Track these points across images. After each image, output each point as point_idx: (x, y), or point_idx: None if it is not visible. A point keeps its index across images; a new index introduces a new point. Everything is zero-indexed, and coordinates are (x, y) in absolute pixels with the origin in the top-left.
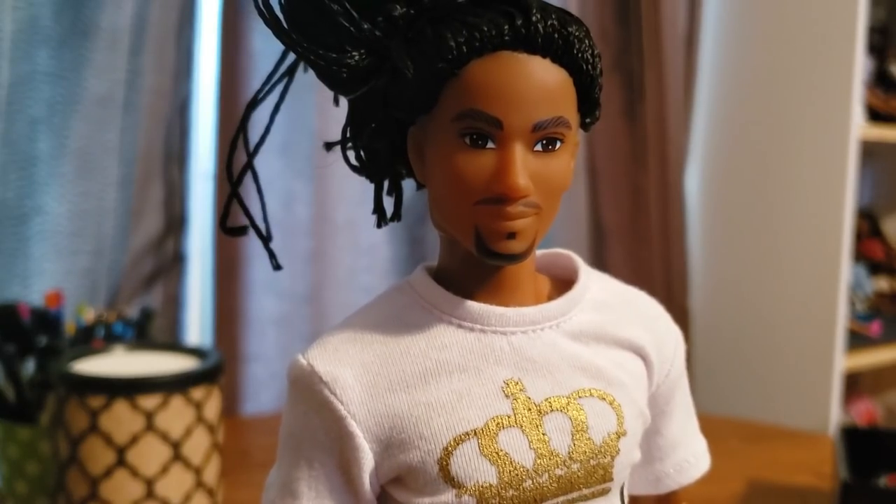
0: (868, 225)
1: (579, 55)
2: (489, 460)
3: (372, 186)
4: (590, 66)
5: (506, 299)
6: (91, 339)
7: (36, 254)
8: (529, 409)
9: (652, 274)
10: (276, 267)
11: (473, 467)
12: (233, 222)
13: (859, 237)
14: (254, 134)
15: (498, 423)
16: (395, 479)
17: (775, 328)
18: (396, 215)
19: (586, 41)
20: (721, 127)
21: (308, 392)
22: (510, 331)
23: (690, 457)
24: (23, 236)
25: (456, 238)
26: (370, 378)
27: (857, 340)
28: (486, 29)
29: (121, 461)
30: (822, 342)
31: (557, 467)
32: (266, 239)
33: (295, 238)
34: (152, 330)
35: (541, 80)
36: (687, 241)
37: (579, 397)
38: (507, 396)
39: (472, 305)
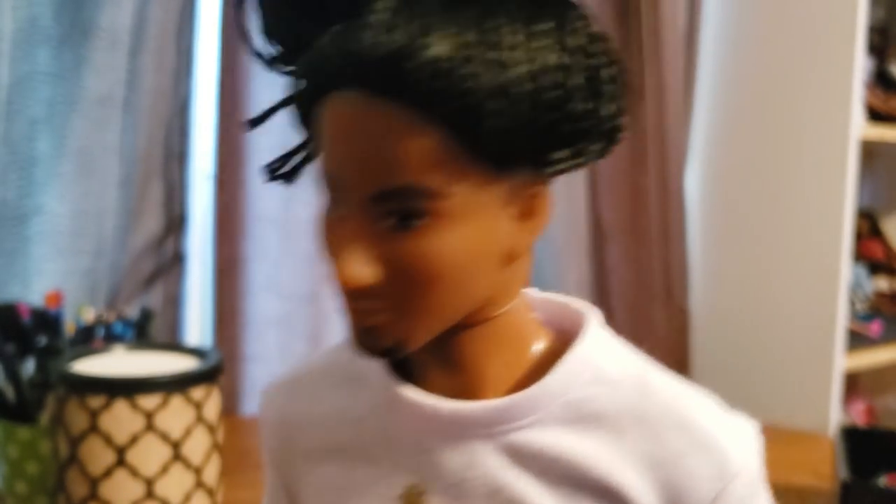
0: (868, 225)
1: (446, 89)
2: None
3: None
4: (474, 99)
5: (453, 381)
6: (91, 339)
7: (36, 254)
8: None
9: (652, 274)
10: None
11: None
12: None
13: (859, 237)
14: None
15: None
16: None
17: (775, 328)
18: None
19: (464, 63)
20: (721, 127)
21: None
22: (424, 427)
23: None
24: (23, 236)
25: None
26: (288, 433)
27: (856, 340)
28: (317, 57)
29: (121, 461)
30: (822, 342)
31: None
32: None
33: (295, 238)
34: (152, 330)
35: (379, 135)
36: (687, 241)
37: None
38: None
39: (390, 382)
